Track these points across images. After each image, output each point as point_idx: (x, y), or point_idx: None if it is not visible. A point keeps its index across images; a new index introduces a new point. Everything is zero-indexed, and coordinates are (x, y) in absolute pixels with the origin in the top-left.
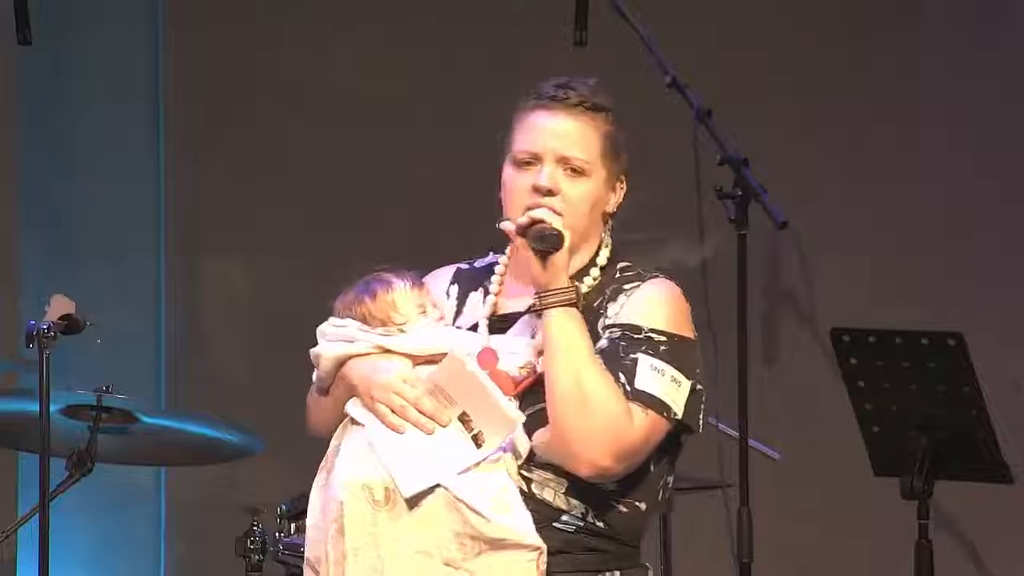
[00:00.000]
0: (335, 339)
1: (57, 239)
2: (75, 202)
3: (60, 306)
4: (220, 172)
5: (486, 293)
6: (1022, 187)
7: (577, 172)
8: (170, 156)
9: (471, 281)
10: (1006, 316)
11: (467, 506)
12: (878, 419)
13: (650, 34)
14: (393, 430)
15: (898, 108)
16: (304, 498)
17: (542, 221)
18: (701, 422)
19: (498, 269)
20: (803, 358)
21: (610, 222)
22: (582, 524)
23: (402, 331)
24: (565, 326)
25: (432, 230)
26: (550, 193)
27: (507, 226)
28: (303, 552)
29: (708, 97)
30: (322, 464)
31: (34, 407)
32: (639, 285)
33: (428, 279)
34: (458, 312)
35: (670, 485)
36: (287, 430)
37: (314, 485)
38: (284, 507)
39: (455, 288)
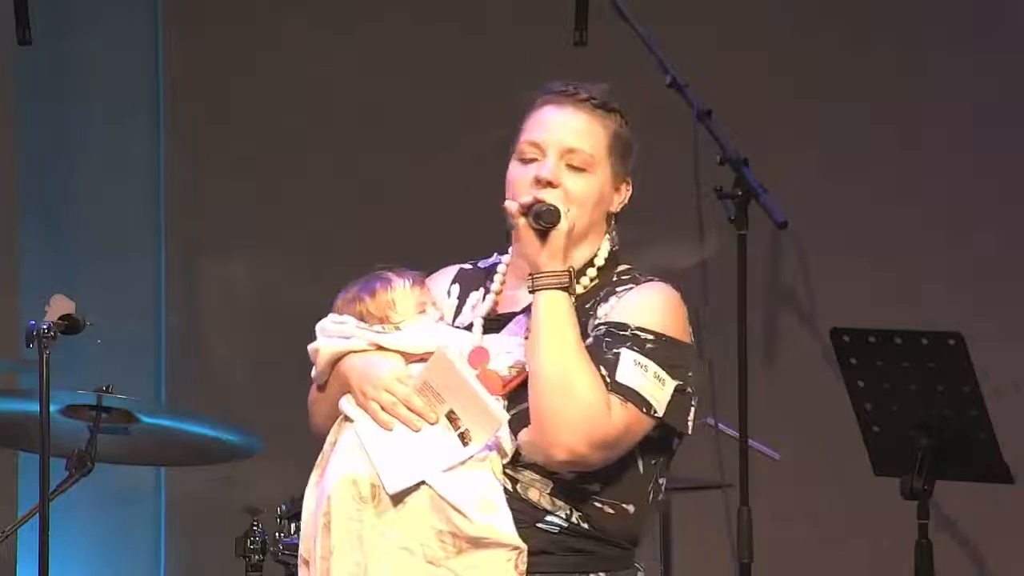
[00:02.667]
0: (332, 335)
1: (57, 239)
2: (75, 202)
3: (60, 306)
4: (220, 172)
5: (487, 293)
6: (1022, 187)
7: (580, 168)
8: (170, 156)
9: (473, 281)
10: (1006, 316)
11: (450, 504)
12: (878, 419)
13: (650, 34)
14: (382, 427)
15: (898, 108)
16: (303, 498)
17: (543, 201)
18: (690, 425)
19: (500, 268)
20: (803, 358)
21: (613, 223)
22: (567, 525)
23: (397, 328)
24: (554, 309)
25: (432, 230)
26: (550, 185)
27: (510, 205)
28: None
29: (708, 97)
30: (317, 461)
31: (34, 407)
32: (631, 288)
33: (431, 279)
34: (458, 311)
35: (662, 488)
36: (287, 430)
37: (309, 482)
38: (284, 507)
39: (456, 288)
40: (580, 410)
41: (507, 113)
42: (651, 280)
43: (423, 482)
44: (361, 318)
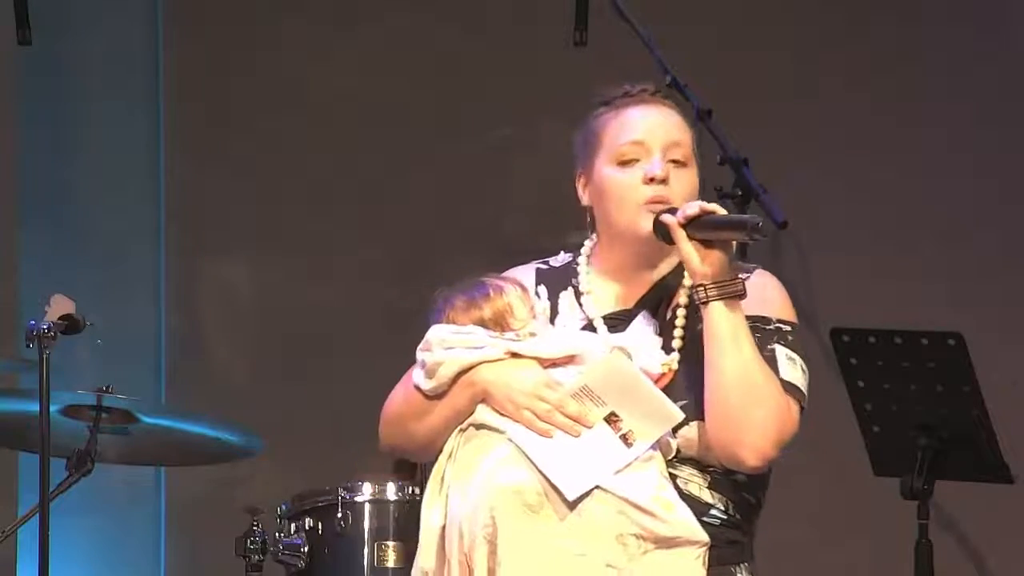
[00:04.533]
0: (458, 346)
1: (57, 239)
2: (75, 202)
3: (60, 306)
4: (220, 172)
5: (576, 292)
6: (1022, 187)
7: (680, 163)
8: (170, 156)
9: (556, 281)
10: (1006, 316)
11: (635, 506)
12: (878, 419)
13: (650, 34)
14: (541, 435)
15: (898, 108)
16: (303, 498)
17: (713, 212)
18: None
19: (581, 269)
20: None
21: None
22: (726, 517)
23: (532, 334)
24: (733, 318)
25: (432, 230)
26: (663, 183)
27: (669, 218)
28: (303, 552)
29: (708, 97)
30: (434, 472)
31: (34, 407)
32: (747, 277)
33: None
34: (554, 312)
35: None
36: (287, 430)
37: (426, 494)
38: (284, 507)
39: (543, 289)
40: (772, 415)
41: (507, 113)
42: (757, 267)
43: (597, 486)
44: (481, 326)
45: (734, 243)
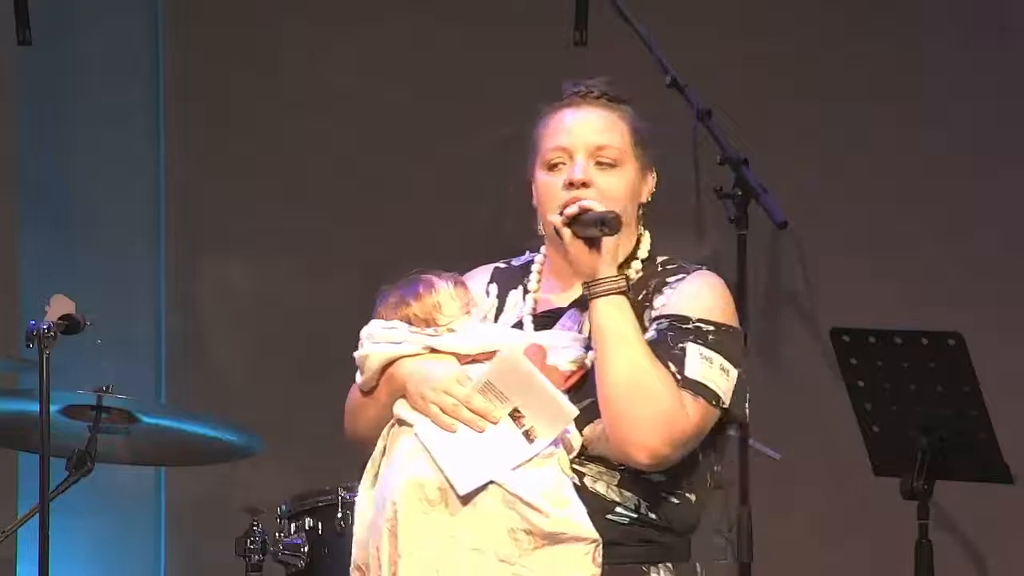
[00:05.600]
0: (383, 341)
1: (57, 239)
2: (75, 202)
3: (60, 306)
4: (220, 172)
5: (525, 291)
6: (1022, 187)
7: (609, 164)
8: (170, 156)
9: (510, 279)
10: (1006, 316)
11: (523, 502)
12: (878, 419)
13: (650, 34)
14: (445, 429)
15: (898, 108)
16: (303, 498)
17: (591, 209)
18: (747, 412)
19: (535, 267)
20: (803, 358)
21: (643, 212)
22: (636, 516)
23: (450, 331)
24: (616, 315)
25: (432, 230)
26: (584, 186)
27: (555, 219)
28: (303, 552)
29: (708, 97)
30: (368, 467)
31: (34, 407)
32: (684, 277)
33: (466, 278)
34: (499, 310)
35: (719, 475)
36: (287, 430)
37: (360, 489)
38: (284, 507)
39: (494, 287)
40: (658, 412)
41: (507, 113)
42: (700, 268)
43: (492, 481)
44: (408, 322)
45: (628, 239)
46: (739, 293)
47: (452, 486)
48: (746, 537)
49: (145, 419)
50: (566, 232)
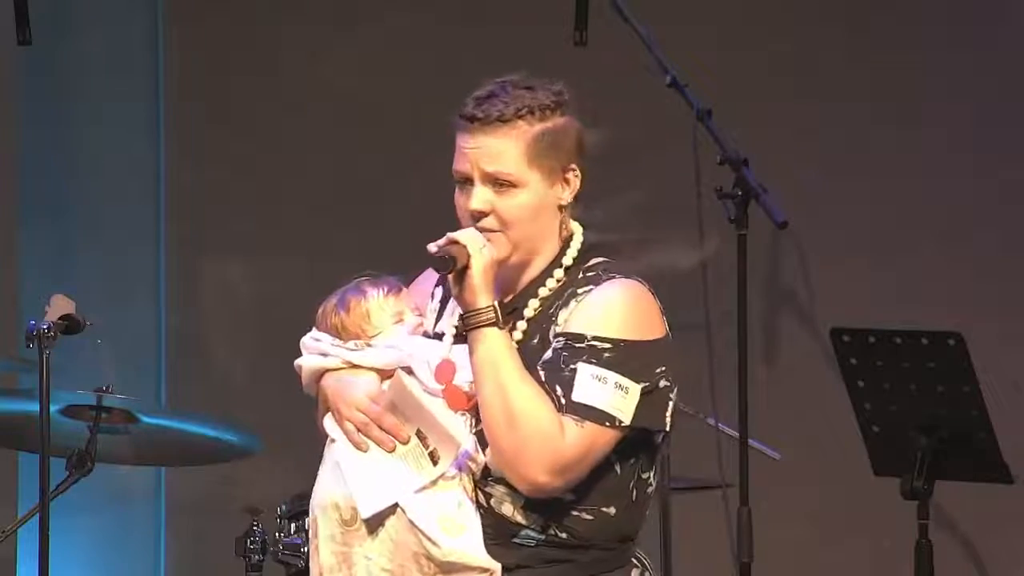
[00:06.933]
0: (312, 351)
1: (57, 239)
2: (75, 202)
3: (60, 306)
4: (220, 172)
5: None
6: (1022, 187)
7: (509, 184)
8: (170, 156)
9: None
10: (1006, 316)
11: (419, 529)
12: (878, 419)
13: (650, 34)
14: (357, 447)
15: (898, 108)
16: (303, 498)
17: (456, 242)
18: (668, 421)
19: None
20: (803, 358)
21: (566, 214)
22: (543, 537)
23: (369, 344)
24: (487, 346)
25: (432, 230)
26: (483, 215)
27: (431, 248)
28: (303, 552)
29: (708, 97)
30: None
31: (34, 407)
32: (591, 289)
33: (417, 281)
34: (439, 315)
35: (651, 483)
36: (287, 430)
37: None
38: (284, 507)
39: (439, 290)
40: (530, 442)
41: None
42: (612, 278)
43: (397, 504)
44: (337, 333)
45: (470, 271)
46: (739, 293)
47: (357, 508)
48: (746, 537)
49: (145, 419)
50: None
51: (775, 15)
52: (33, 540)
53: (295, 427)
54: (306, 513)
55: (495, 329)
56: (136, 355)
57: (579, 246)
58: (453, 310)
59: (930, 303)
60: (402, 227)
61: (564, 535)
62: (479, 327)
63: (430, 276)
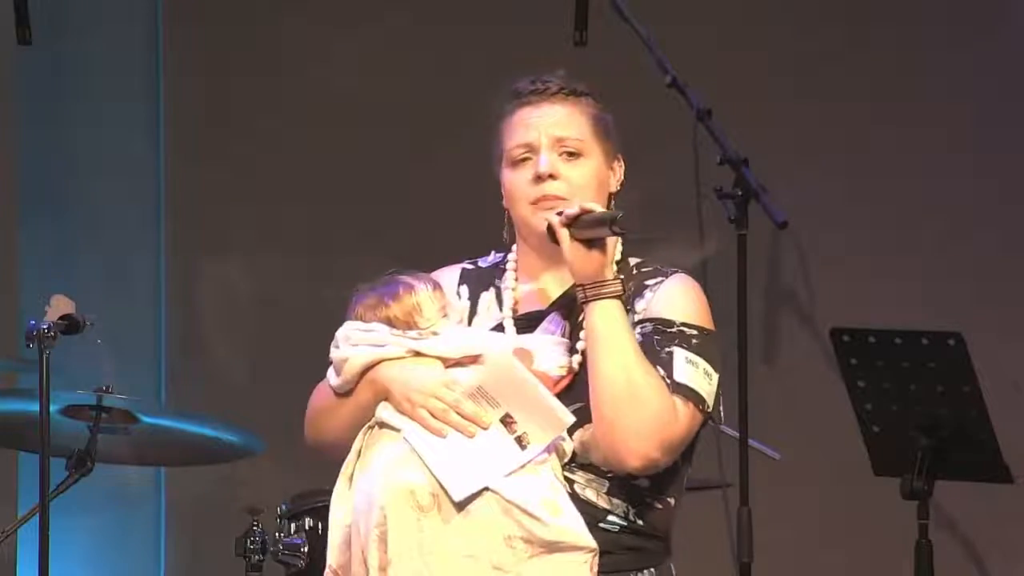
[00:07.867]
0: (362, 343)
1: (57, 239)
2: (75, 202)
3: (60, 306)
4: (220, 172)
5: (498, 292)
6: (1022, 187)
7: (574, 154)
8: (170, 156)
9: (480, 281)
10: (1006, 316)
11: (520, 509)
12: (878, 419)
13: (650, 34)
14: (435, 434)
15: (898, 108)
16: (303, 498)
17: (591, 211)
18: (723, 415)
19: (509, 267)
20: (803, 358)
21: (613, 203)
22: (625, 523)
23: (435, 333)
24: (612, 319)
25: (432, 230)
26: (551, 178)
27: (552, 219)
28: (303, 552)
29: (708, 97)
30: (343, 470)
31: (34, 407)
32: (662, 280)
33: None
34: (472, 313)
35: (686, 478)
36: (287, 430)
37: (335, 492)
38: (284, 507)
39: (465, 289)
40: (652, 417)
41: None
42: (676, 271)
43: (487, 488)
44: (389, 324)
45: (612, 242)
46: (739, 293)
47: (447, 492)
48: (746, 537)
49: (145, 419)
50: (564, 233)
51: (775, 15)
52: (33, 540)
53: (295, 427)
54: (306, 513)
55: (619, 301)
56: (136, 355)
57: (621, 242)
58: (487, 308)
59: (930, 303)
60: (402, 227)
61: (641, 522)
62: (605, 298)
63: (447, 277)
